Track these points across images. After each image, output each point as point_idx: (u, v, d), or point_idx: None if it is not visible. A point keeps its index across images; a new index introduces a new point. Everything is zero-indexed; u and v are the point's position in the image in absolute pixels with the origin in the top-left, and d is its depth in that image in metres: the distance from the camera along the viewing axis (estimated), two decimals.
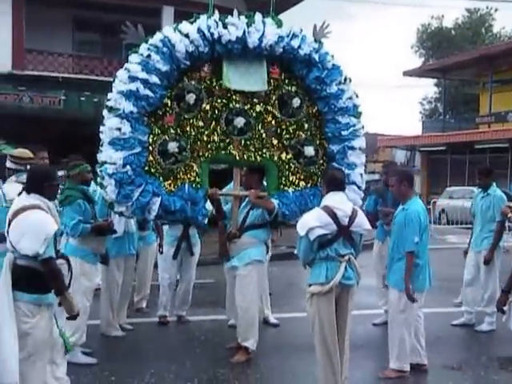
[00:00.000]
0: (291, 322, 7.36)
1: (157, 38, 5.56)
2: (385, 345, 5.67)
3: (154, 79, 5.46)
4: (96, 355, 5.91)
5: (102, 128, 5.58)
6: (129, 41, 5.64)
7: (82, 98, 15.32)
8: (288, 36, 5.79)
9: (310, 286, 4.75)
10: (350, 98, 6.00)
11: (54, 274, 4.09)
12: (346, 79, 6.02)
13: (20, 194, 4.24)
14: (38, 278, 4.05)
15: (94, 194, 6.29)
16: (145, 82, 5.45)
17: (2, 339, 3.88)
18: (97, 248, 5.90)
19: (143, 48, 5.55)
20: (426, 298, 5.74)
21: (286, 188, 5.96)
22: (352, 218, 4.72)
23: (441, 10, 67.69)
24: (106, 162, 5.43)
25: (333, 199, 4.77)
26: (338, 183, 4.89)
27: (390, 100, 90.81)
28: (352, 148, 5.99)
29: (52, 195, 4.34)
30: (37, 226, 4.04)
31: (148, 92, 5.45)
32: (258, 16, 5.79)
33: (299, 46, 5.80)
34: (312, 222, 4.65)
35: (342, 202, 4.79)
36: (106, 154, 5.44)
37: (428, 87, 44.17)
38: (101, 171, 5.47)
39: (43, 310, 4.10)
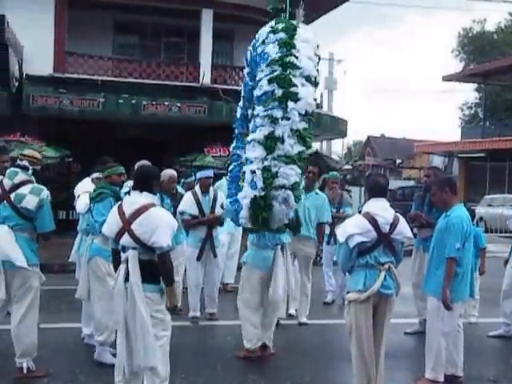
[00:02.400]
0: (325, 330, 7.32)
1: None
2: (417, 355, 5.61)
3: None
4: None
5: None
6: None
7: (121, 101, 15.53)
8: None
9: (348, 293, 4.73)
10: (261, 86, 5.69)
11: (169, 266, 4.39)
12: (266, 63, 5.69)
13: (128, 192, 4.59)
14: (157, 269, 4.37)
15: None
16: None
17: (146, 330, 4.23)
18: None
19: None
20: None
21: None
22: (393, 225, 4.65)
23: (483, 14, 66.41)
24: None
25: (374, 206, 4.72)
26: (380, 190, 4.83)
27: (428, 105, 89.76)
28: (248, 141, 5.80)
29: (156, 193, 4.67)
30: (166, 221, 4.40)
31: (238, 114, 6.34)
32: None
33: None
34: (352, 228, 4.63)
35: (383, 208, 4.73)
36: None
37: (468, 92, 43.47)
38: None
39: (164, 296, 4.42)
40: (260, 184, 5.38)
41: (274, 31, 5.63)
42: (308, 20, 22.19)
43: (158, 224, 4.31)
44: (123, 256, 4.38)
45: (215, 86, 17.37)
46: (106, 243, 5.67)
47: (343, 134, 22.77)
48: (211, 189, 7.60)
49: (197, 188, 7.62)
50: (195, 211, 7.45)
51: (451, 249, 5.25)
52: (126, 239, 4.35)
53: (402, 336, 7.08)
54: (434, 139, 37.07)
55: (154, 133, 16.21)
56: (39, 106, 14.73)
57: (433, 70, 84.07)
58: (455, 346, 5.51)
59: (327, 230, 8.35)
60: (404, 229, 4.74)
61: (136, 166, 7.20)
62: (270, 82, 5.44)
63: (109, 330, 5.73)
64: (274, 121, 5.36)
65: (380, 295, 4.63)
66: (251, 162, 5.51)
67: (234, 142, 6.35)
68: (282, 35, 5.57)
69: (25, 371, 5.22)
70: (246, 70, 6.18)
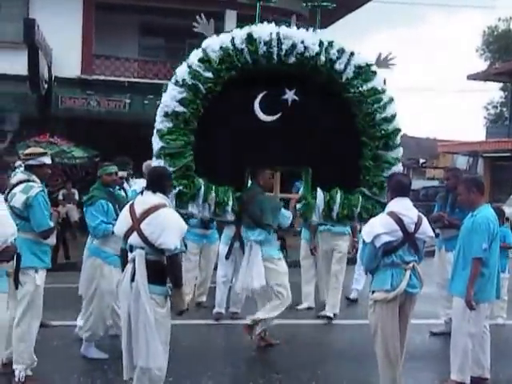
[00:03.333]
0: (349, 330, 7.42)
1: None
2: (443, 355, 5.59)
3: None
4: None
5: None
6: (199, 31, 6.00)
7: (146, 102, 15.70)
8: None
9: (374, 292, 4.73)
10: None
11: (178, 268, 4.39)
12: None
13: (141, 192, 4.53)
14: (165, 271, 4.34)
15: (133, 194, 6.38)
16: None
17: (150, 331, 4.19)
18: (118, 249, 5.87)
19: None
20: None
21: None
22: (418, 224, 4.70)
23: (509, 12, 65.46)
24: None
25: (399, 205, 4.73)
26: (404, 189, 4.84)
27: (452, 104, 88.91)
28: None
29: (168, 194, 4.65)
30: (175, 222, 4.35)
31: None
32: None
33: None
34: (378, 228, 4.63)
35: (408, 208, 4.75)
36: None
37: (493, 91, 43.01)
38: None
39: (167, 300, 4.39)
40: None
41: None
42: (331, 20, 22.30)
43: (167, 225, 4.27)
44: (130, 256, 4.36)
45: None
46: (105, 244, 5.75)
47: None
48: None
49: None
50: None
51: (478, 249, 5.20)
52: (134, 239, 4.33)
53: (428, 336, 7.10)
54: (457, 139, 36.70)
55: None
56: (67, 108, 15.02)
57: (457, 69, 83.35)
58: (482, 348, 5.45)
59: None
60: (427, 228, 4.79)
61: (144, 166, 7.40)
62: None
63: (95, 329, 5.82)
64: None
65: (406, 294, 4.66)
66: None
67: None
68: None
69: (16, 379, 5.03)
70: None
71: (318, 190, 6.17)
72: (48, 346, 6.05)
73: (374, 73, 6.21)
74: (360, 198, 6.20)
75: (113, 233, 5.63)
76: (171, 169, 5.62)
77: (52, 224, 5.19)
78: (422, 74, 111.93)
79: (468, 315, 5.26)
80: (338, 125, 6.25)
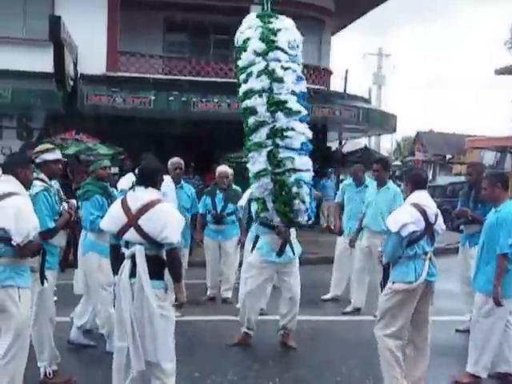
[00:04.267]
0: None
1: None
2: (468, 352, 5.53)
3: None
4: (179, 349, 6.10)
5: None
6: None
7: (171, 98, 15.77)
8: None
9: (394, 283, 4.84)
10: None
11: (179, 262, 4.41)
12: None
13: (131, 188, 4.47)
14: (163, 265, 4.34)
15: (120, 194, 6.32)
16: None
17: (157, 326, 4.20)
18: None
19: None
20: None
21: None
22: (437, 216, 4.88)
23: None
24: (300, 170, 5.74)
25: (421, 197, 4.90)
26: (423, 182, 5.04)
27: (480, 100, 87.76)
28: None
29: (160, 188, 4.58)
30: (175, 216, 4.37)
31: None
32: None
33: None
34: (406, 218, 4.77)
35: (429, 200, 4.94)
36: (301, 160, 5.74)
37: None
38: (298, 180, 5.71)
39: (168, 293, 4.38)
40: None
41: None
42: (357, 15, 22.15)
43: (168, 220, 4.27)
44: (127, 252, 4.29)
45: None
46: (101, 238, 5.64)
47: (392, 130, 22.55)
48: None
49: None
50: None
51: (503, 244, 5.19)
52: (131, 235, 4.28)
53: (453, 333, 7.05)
54: (485, 134, 36.21)
55: (204, 130, 16.41)
56: (93, 105, 15.12)
57: (484, 63, 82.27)
58: (508, 344, 5.47)
59: None
60: (442, 220, 5.01)
61: (169, 163, 7.52)
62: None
63: (108, 322, 5.80)
64: None
65: (426, 283, 4.82)
66: None
67: None
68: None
69: (42, 376, 5.14)
70: None
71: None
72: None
73: None
74: None
75: (99, 228, 5.63)
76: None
77: (52, 225, 4.96)
78: (449, 69, 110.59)
79: (489, 309, 5.28)
80: None
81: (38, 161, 5.12)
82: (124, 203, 4.36)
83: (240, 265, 8.03)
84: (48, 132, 15.49)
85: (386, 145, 50.39)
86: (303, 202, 5.75)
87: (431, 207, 4.86)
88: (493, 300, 5.19)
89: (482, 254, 5.45)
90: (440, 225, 4.96)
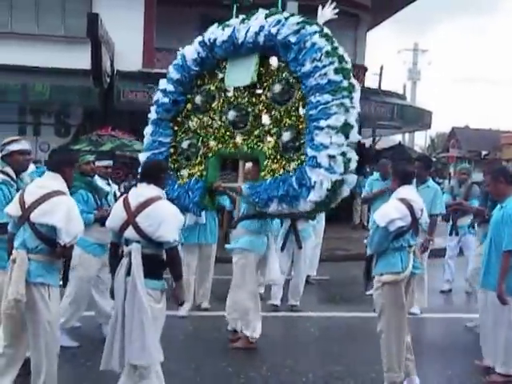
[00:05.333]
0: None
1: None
2: (477, 349, 5.58)
3: (169, 87, 6.30)
4: (213, 345, 6.19)
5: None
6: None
7: None
8: (270, 24, 5.75)
9: (382, 275, 4.92)
10: (325, 74, 5.44)
11: (178, 261, 4.35)
12: (322, 54, 5.48)
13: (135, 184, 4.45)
14: (161, 265, 4.31)
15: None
16: (163, 91, 6.35)
17: (147, 326, 4.11)
18: (100, 238, 5.82)
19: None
20: None
21: (265, 177, 5.72)
22: (423, 211, 5.02)
23: None
24: None
25: (407, 192, 4.99)
26: (411, 177, 5.22)
27: None
28: (319, 128, 5.38)
29: (162, 186, 4.55)
30: (173, 214, 4.30)
31: (165, 99, 6.32)
32: (260, 12, 6.04)
33: (277, 32, 5.67)
34: (393, 213, 4.86)
35: (415, 195, 5.07)
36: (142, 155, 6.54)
37: None
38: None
39: (164, 295, 4.33)
40: (340, 169, 5.37)
41: (306, 23, 5.65)
42: (393, 10, 21.93)
43: (164, 218, 4.18)
44: (126, 249, 4.26)
45: None
46: (86, 234, 5.36)
47: (427, 126, 22.30)
48: None
49: None
50: None
51: (508, 241, 5.14)
52: (129, 232, 4.23)
53: (462, 329, 7.00)
54: None
55: None
56: (129, 101, 15.26)
57: None
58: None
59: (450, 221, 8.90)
60: (426, 214, 5.21)
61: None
62: (336, 72, 5.45)
63: (68, 316, 5.83)
64: (347, 109, 5.39)
65: (411, 275, 4.97)
66: (325, 148, 5.38)
67: (153, 127, 6.47)
68: (315, 27, 5.61)
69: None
70: (192, 56, 6.40)
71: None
72: None
73: None
74: None
75: (95, 221, 5.79)
76: None
77: (4, 220, 4.60)
78: (486, 65, 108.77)
79: (507, 307, 5.22)
80: None
81: (3, 153, 5.01)
82: (126, 200, 4.34)
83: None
84: (85, 128, 15.72)
85: (419, 141, 49.87)
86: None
87: (418, 202, 4.97)
88: (497, 298, 5.15)
89: (490, 253, 5.40)
90: (425, 218, 5.19)
